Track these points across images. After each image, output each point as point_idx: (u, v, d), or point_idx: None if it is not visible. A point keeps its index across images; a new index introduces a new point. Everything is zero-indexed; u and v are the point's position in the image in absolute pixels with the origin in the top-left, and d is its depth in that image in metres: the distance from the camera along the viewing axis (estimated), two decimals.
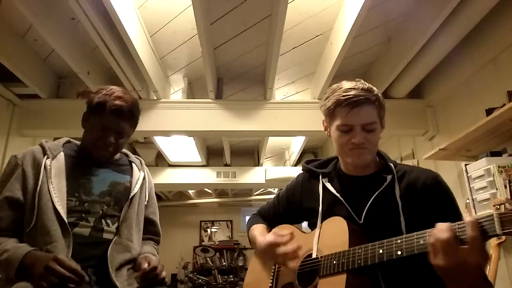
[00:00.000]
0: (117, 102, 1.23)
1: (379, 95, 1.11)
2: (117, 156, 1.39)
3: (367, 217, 1.06)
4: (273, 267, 1.24)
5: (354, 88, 1.07)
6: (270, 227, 1.36)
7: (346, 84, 1.10)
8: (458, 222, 0.81)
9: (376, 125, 1.08)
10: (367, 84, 1.10)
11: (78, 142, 1.35)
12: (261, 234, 1.28)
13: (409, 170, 1.10)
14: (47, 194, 1.13)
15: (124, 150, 1.44)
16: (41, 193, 1.13)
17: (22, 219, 1.12)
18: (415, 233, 0.87)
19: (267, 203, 1.45)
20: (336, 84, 1.14)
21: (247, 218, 1.48)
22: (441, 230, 0.80)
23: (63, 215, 1.12)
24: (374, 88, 1.10)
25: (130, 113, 1.27)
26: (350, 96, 1.06)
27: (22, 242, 1.10)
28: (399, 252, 0.87)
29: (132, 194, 1.29)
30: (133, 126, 1.33)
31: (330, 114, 1.12)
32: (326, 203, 1.16)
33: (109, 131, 1.25)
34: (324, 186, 1.18)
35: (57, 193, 1.14)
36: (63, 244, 1.09)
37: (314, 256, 1.10)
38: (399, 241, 0.88)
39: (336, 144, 1.14)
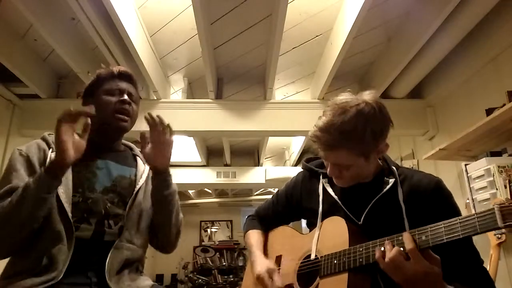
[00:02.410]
0: (123, 68, 1.30)
1: (362, 129, 0.97)
2: (122, 148, 1.35)
3: (366, 219, 1.06)
4: None
5: (324, 131, 0.99)
6: (266, 231, 1.36)
7: (323, 118, 1.01)
8: (398, 238, 0.89)
9: (350, 165, 1.02)
10: (350, 121, 0.97)
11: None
12: (257, 244, 1.29)
13: (411, 174, 1.09)
14: None
15: (128, 143, 1.41)
16: None
17: None
18: (416, 229, 0.88)
19: (265, 201, 1.44)
20: (329, 104, 1.04)
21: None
22: (388, 251, 0.88)
23: (69, 213, 1.08)
24: (357, 124, 0.97)
25: (135, 80, 1.33)
26: (317, 139, 1.01)
27: (26, 240, 1.06)
28: (401, 249, 0.87)
29: (136, 188, 1.24)
30: (139, 98, 1.34)
31: None
32: (325, 204, 1.15)
33: (122, 92, 1.26)
34: (324, 187, 1.18)
35: (63, 188, 1.10)
36: (66, 245, 1.06)
37: (313, 256, 1.10)
38: (400, 238, 0.88)
39: None
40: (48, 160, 1.13)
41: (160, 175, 1.20)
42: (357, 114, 0.98)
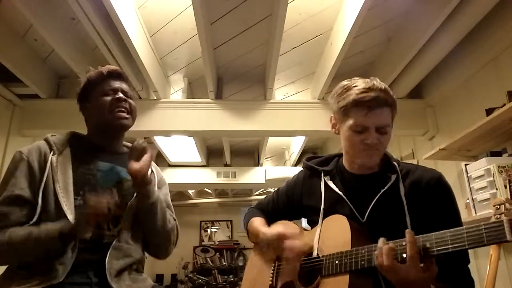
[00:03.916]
0: (111, 67, 1.32)
1: (394, 95, 1.07)
2: (124, 149, 1.35)
3: (370, 216, 1.06)
4: (273, 264, 1.24)
5: (372, 89, 1.04)
6: (268, 222, 1.36)
7: (362, 83, 1.06)
8: (401, 241, 0.87)
9: (389, 127, 1.07)
10: (383, 84, 1.06)
11: (84, 133, 1.32)
12: (264, 225, 1.28)
13: (413, 169, 1.10)
14: (52, 193, 1.10)
15: (129, 144, 1.40)
16: (46, 192, 1.10)
17: (31, 217, 1.09)
18: (420, 236, 0.86)
19: (265, 198, 1.44)
20: (349, 81, 1.10)
21: None
22: (382, 252, 0.87)
23: (70, 218, 1.08)
24: (389, 89, 1.07)
25: (126, 76, 1.33)
26: (369, 97, 1.03)
27: None
28: (404, 255, 0.86)
29: (133, 199, 1.23)
30: (133, 94, 1.34)
31: (343, 112, 1.08)
32: (328, 201, 1.15)
33: (116, 91, 1.27)
34: (326, 184, 1.18)
35: (63, 192, 1.10)
36: (68, 248, 1.07)
37: (315, 254, 1.10)
38: (404, 243, 0.87)
39: (347, 143, 1.11)
40: (48, 163, 1.13)
41: (139, 184, 1.18)
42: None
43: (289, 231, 1.13)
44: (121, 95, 1.26)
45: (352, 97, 1.05)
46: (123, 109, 1.26)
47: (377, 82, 1.06)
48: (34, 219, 1.08)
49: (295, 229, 1.16)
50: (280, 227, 1.18)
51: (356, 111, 1.05)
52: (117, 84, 1.29)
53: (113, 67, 1.31)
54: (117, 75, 1.31)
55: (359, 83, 1.07)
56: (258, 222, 1.32)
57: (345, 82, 1.11)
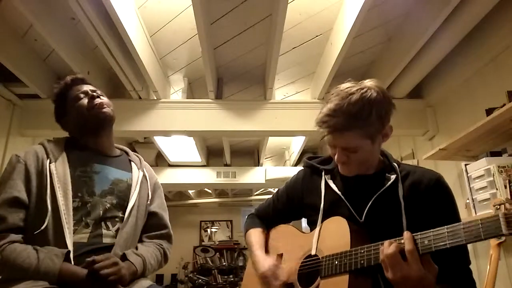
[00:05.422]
0: (73, 76, 1.37)
1: (368, 111, 1.00)
2: (117, 152, 1.38)
3: (368, 216, 1.06)
4: None
5: (331, 115, 1.02)
6: (267, 229, 1.37)
7: (329, 105, 1.04)
8: (399, 239, 0.88)
9: (358, 147, 1.04)
10: (356, 103, 0.99)
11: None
12: (258, 243, 1.29)
13: (413, 170, 1.10)
14: (54, 199, 1.11)
15: (123, 147, 1.44)
16: (47, 198, 1.11)
17: (26, 219, 1.11)
18: (419, 233, 0.87)
19: (265, 201, 1.44)
20: (332, 92, 1.07)
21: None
22: (387, 246, 0.87)
23: (65, 222, 1.10)
24: (363, 105, 0.99)
25: (89, 81, 1.38)
26: (325, 126, 1.03)
27: (29, 242, 1.08)
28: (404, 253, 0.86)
29: (131, 193, 1.27)
30: (102, 92, 1.39)
31: None
32: (327, 200, 1.15)
33: (86, 93, 1.32)
34: (326, 184, 1.18)
35: (63, 197, 1.12)
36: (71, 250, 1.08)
37: (313, 252, 1.10)
38: (402, 241, 0.88)
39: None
40: (47, 171, 1.14)
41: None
42: (362, 97, 1.01)
43: (275, 283, 1.13)
44: (93, 93, 1.31)
45: (318, 118, 1.06)
46: (100, 104, 1.30)
47: (347, 102, 1.00)
48: (42, 227, 1.08)
49: (291, 234, 1.16)
50: (269, 270, 1.17)
51: (321, 131, 1.07)
52: (84, 87, 1.33)
53: (74, 75, 1.37)
54: (81, 81, 1.36)
55: (328, 105, 1.04)
56: (254, 238, 1.33)
57: (331, 92, 1.08)
